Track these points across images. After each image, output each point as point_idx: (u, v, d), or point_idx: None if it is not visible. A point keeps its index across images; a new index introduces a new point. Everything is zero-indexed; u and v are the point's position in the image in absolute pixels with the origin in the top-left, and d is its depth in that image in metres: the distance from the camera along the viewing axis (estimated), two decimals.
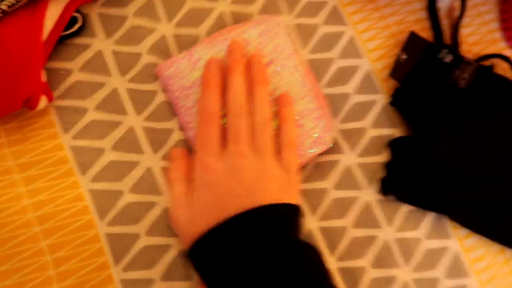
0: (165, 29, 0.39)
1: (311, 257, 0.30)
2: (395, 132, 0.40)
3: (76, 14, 0.37)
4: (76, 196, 0.34)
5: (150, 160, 0.36)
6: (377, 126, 0.40)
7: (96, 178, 0.35)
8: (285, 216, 0.31)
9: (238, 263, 0.28)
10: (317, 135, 0.37)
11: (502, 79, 0.39)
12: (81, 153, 0.35)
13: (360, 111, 0.40)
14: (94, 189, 0.34)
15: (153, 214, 0.35)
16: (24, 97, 0.32)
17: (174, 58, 0.37)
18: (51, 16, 0.35)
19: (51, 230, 0.33)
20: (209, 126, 0.33)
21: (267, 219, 0.29)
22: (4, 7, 0.32)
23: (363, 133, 0.40)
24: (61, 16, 0.35)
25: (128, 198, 0.35)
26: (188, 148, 0.36)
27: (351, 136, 0.40)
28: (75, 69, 0.37)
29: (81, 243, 0.33)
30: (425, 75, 0.39)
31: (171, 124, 0.37)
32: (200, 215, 0.31)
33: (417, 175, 0.36)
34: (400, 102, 0.40)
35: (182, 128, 0.37)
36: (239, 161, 0.31)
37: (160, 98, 0.37)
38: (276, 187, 0.31)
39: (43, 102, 0.33)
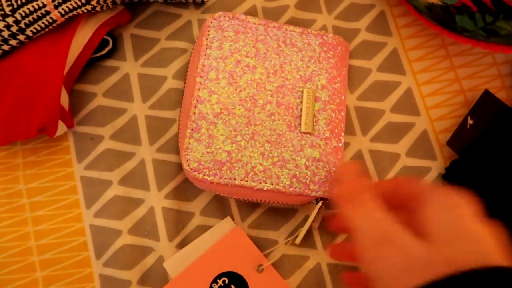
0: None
1: None
2: None
3: (107, 37, 0.35)
4: (77, 230, 0.33)
5: (154, 198, 0.33)
6: None
7: (98, 214, 0.33)
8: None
9: None
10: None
11: None
12: (90, 184, 0.34)
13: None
14: (95, 225, 0.33)
15: (149, 260, 0.32)
16: (39, 127, 0.31)
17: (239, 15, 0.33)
18: (80, 39, 0.33)
19: (48, 262, 0.32)
20: None
21: None
22: (29, 33, 0.31)
23: None
24: (91, 40, 0.34)
25: (126, 239, 0.33)
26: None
27: None
28: (99, 93, 0.35)
29: (75, 280, 0.32)
30: (494, 148, 0.32)
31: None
32: None
33: None
34: (454, 178, 0.33)
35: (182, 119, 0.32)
36: None
37: (175, 128, 0.35)
38: None
39: (61, 129, 0.32)
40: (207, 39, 0.32)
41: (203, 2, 0.37)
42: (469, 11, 0.29)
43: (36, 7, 0.30)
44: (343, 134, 0.32)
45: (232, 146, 0.30)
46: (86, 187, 0.34)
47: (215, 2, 0.37)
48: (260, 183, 0.30)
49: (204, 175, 0.30)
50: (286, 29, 0.33)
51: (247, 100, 0.31)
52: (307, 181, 0.30)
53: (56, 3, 0.30)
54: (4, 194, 0.33)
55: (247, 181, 0.30)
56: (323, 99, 0.32)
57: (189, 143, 0.30)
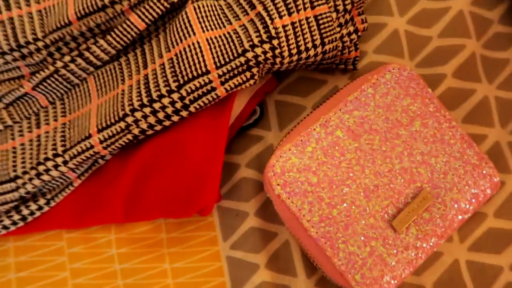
0: None
1: None
2: None
3: (255, 106, 0.33)
4: None
5: (301, 284, 0.31)
6: None
7: None
8: None
9: None
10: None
11: None
12: (236, 266, 0.31)
13: None
14: None
15: None
16: (200, 207, 0.29)
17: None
18: (233, 111, 0.32)
19: None
20: None
21: None
22: (192, 109, 0.29)
23: None
24: (243, 111, 0.32)
25: None
26: None
27: None
28: (242, 164, 0.33)
29: None
30: None
31: None
32: None
33: None
34: None
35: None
36: None
37: None
38: None
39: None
40: (377, 79, 0.29)
41: (355, 68, 0.34)
42: None
43: (202, 83, 0.28)
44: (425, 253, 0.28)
45: (318, 183, 0.27)
46: (232, 269, 0.31)
47: (364, 67, 0.34)
48: (317, 232, 0.27)
49: (277, 184, 0.27)
50: (454, 126, 0.29)
51: (366, 155, 0.28)
52: (356, 266, 0.27)
53: (222, 79, 0.29)
54: (150, 273, 0.31)
55: (308, 220, 0.27)
56: (432, 214, 0.28)
57: (289, 149, 0.28)
